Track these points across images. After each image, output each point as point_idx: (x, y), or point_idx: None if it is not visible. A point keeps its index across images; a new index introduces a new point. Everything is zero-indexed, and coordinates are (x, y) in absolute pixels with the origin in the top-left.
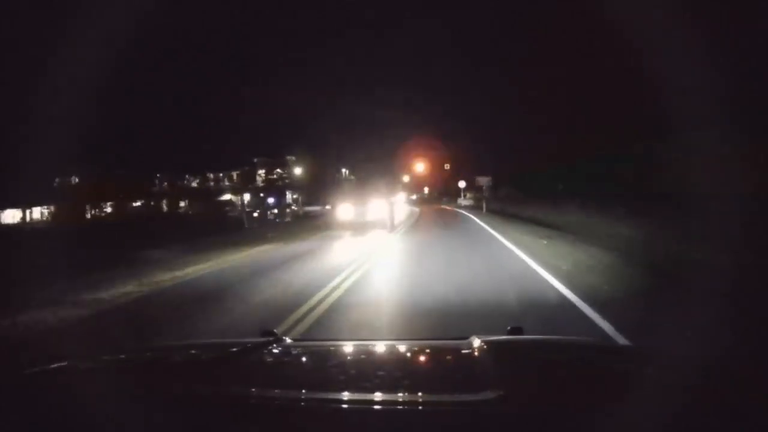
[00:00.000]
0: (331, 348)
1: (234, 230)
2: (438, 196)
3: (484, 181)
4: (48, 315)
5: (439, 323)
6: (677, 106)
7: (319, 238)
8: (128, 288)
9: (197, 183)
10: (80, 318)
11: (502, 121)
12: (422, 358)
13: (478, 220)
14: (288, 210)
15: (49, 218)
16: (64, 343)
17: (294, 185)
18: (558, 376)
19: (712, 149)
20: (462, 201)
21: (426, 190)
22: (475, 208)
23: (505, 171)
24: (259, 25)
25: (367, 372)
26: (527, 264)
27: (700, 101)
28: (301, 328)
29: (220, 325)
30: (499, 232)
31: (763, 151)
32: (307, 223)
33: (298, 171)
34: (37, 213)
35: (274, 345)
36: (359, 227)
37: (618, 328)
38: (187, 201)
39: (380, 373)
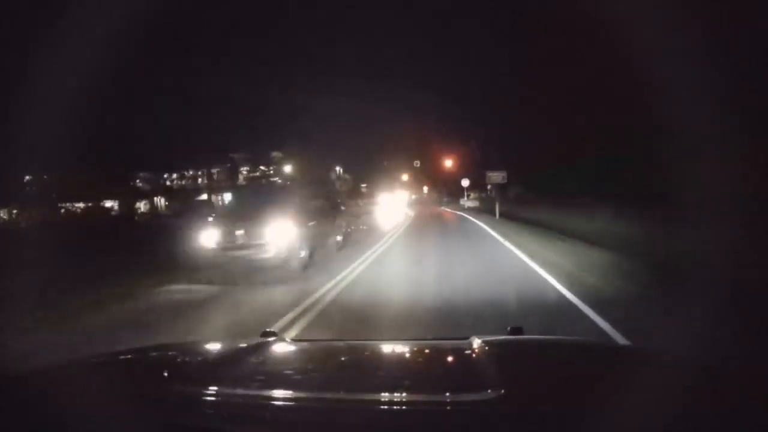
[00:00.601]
0: (331, 348)
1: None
2: (438, 197)
3: (497, 177)
4: None
5: None
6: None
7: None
8: None
9: (173, 181)
10: None
11: (509, 113)
12: (422, 358)
13: (498, 236)
14: None
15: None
16: None
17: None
18: (558, 376)
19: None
20: (466, 202)
21: (425, 189)
22: (482, 212)
23: (513, 168)
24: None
25: (367, 372)
26: None
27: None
28: None
29: None
30: (563, 277)
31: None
32: None
33: (285, 168)
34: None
35: (275, 345)
36: (246, 267)
37: None
38: (164, 201)
39: (380, 373)
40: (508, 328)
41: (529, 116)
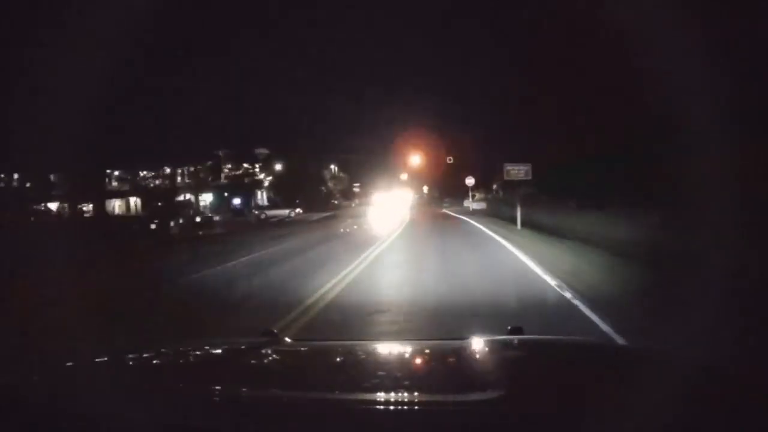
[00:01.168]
0: (331, 348)
1: None
2: (439, 197)
3: (518, 172)
4: None
5: None
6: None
7: None
8: None
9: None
10: None
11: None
12: (422, 358)
13: (553, 283)
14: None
15: None
16: None
17: (266, 183)
18: (558, 375)
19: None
20: (471, 204)
21: (425, 189)
22: (493, 217)
23: (521, 163)
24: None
25: (367, 372)
26: None
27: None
28: None
29: None
30: None
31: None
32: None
33: (270, 166)
34: None
35: (274, 345)
36: None
37: None
38: (141, 201)
39: (380, 373)
40: (508, 328)
41: (540, 104)
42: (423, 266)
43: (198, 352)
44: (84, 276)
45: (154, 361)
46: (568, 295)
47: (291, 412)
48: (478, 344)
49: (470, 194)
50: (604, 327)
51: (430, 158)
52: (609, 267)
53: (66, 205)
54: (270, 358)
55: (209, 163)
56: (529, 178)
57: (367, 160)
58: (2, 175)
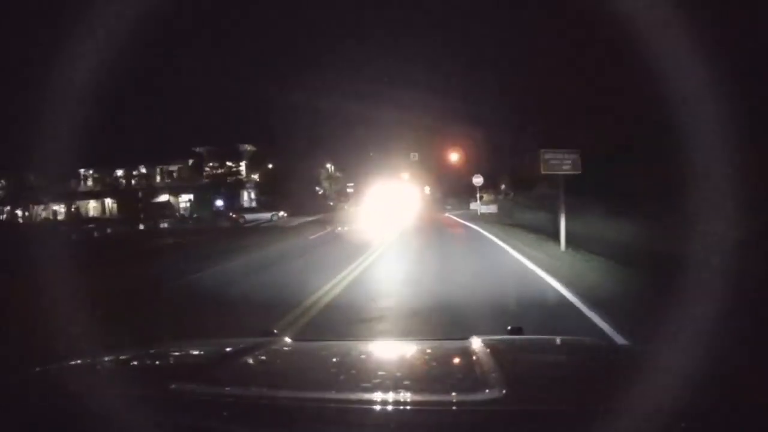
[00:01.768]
0: (331, 348)
1: None
2: (442, 198)
3: (561, 163)
4: None
5: None
6: None
7: None
8: None
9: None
10: None
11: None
12: (422, 358)
13: None
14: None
15: None
16: None
17: (253, 182)
18: (558, 375)
19: None
20: (480, 207)
21: (427, 189)
22: (513, 227)
23: (533, 158)
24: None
25: (367, 372)
26: None
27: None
28: None
29: None
30: None
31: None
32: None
33: (257, 164)
34: None
35: (274, 345)
36: None
37: None
38: (115, 203)
39: (380, 373)
40: (509, 328)
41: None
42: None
43: (197, 352)
44: None
45: (153, 361)
46: None
47: (291, 412)
48: (478, 344)
49: (478, 195)
50: None
51: (433, 156)
52: None
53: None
54: (270, 357)
55: (191, 161)
56: (578, 171)
57: (365, 159)
58: None
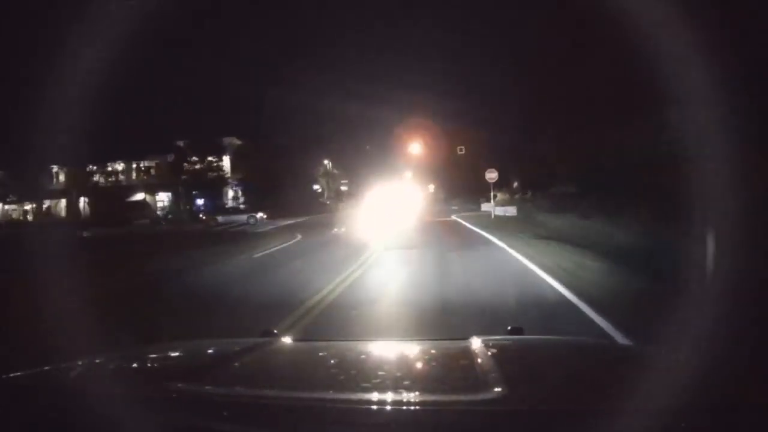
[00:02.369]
0: (331, 348)
1: None
2: (446, 197)
3: None
4: None
5: None
6: None
7: None
8: None
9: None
10: None
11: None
12: (422, 358)
13: None
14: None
15: None
16: None
17: (237, 180)
18: (558, 375)
19: None
20: (493, 208)
21: (431, 187)
22: (555, 245)
23: (551, 153)
24: None
25: (367, 372)
26: None
27: None
28: None
29: None
30: None
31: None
32: None
33: (243, 159)
34: None
35: (274, 345)
36: None
37: None
38: (87, 202)
39: (380, 373)
40: (509, 328)
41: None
42: None
43: (197, 352)
44: None
45: (153, 361)
46: None
47: (291, 412)
48: (478, 344)
49: (492, 194)
50: None
51: (438, 151)
52: None
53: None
54: (270, 358)
55: (170, 156)
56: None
57: (362, 154)
58: None
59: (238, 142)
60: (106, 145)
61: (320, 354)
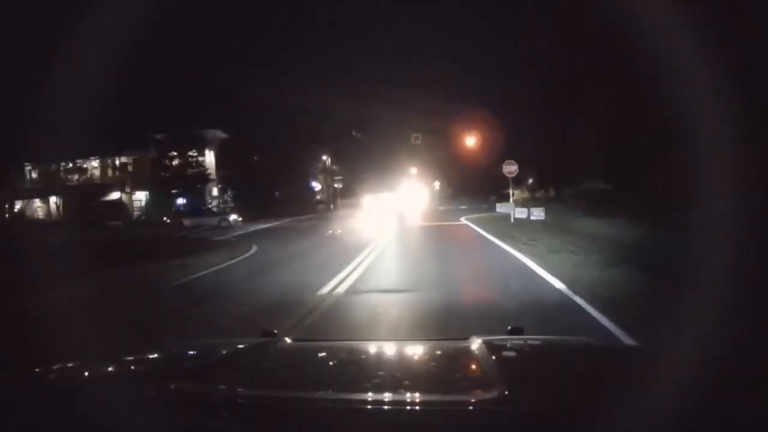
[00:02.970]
0: (332, 348)
1: None
2: (453, 194)
3: None
4: None
5: None
6: None
7: None
8: None
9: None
10: None
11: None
12: (422, 358)
13: None
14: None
15: None
16: None
17: (222, 177)
18: (558, 376)
19: None
20: (513, 209)
21: (437, 185)
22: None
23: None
24: None
25: (367, 372)
26: None
27: None
28: None
29: None
30: None
31: None
32: None
33: (228, 154)
34: None
35: (274, 345)
36: None
37: None
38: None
39: (380, 373)
40: (509, 328)
41: None
42: None
43: (197, 352)
44: None
45: (153, 361)
46: None
47: (291, 412)
48: (478, 344)
49: (510, 192)
50: None
51: (443, 143)
52: None
53: None
54: (270, 358)
55: (149, 150)
56: None
57: (362, 149)
58: None
59: (222, 135)
60: (80, 140)
61: (320, 354)
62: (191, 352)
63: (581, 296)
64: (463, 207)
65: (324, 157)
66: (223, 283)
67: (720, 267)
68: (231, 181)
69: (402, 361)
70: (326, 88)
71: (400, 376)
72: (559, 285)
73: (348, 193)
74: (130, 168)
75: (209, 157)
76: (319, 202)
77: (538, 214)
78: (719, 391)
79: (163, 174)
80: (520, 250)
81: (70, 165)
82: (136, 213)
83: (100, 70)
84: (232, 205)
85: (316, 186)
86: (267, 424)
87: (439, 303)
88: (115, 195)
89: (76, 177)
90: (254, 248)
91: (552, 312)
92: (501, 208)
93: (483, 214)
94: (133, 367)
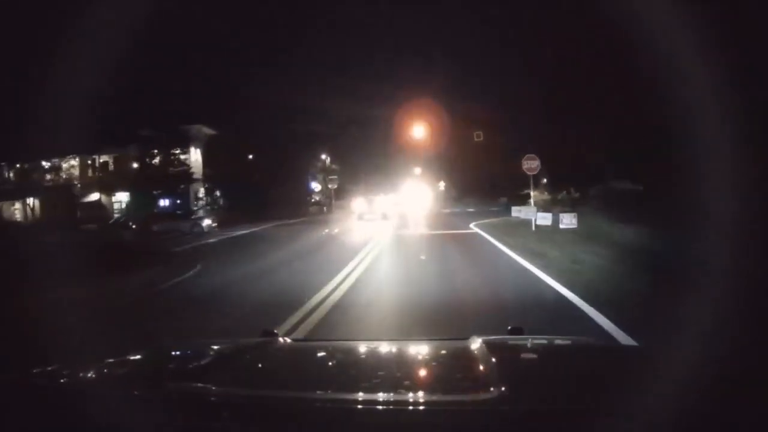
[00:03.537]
0: (331, 348)
1: None
2: (459, 196)
3: None
4: None
5: None
6: None
7: None
8: None
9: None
10: None
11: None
12: (422, 358)
13: None
14: None
15: None
16: None
17: (207, 177)
18: (558, 375)
19: None
20: (534, 213)
21: (441, 185)
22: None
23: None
24: None
25: (367, 372)
26: None
27: None
28: None
29: None
30: None
31: None
32: None
33: (214, 151)
34: None
35: (274, 345)
36: None
37: None
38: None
39: (380, 373)
40: (509, 328)
41: None
42: None
43: (197, 352)
44: None
45: (153, 362)
46: None
47: (291, 412)
48: (478, 344)
49: (531, 192)
50: None
51: (449, 140)
52: None
53: None
54: (270, 358)
55: (132, 147)
56: None
57: (361, 147)
58: None
59: (209, 131)
60: (59, 138)
61: (320, 354)
62: (191, 352)
63: None
64: (470, 209)
65: (323, 156)
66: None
67: None
68: (218, 180)
69: (402, 361)
70: (326, 86)
71: (400, 376)
72: None
73: (346, 193)
74: (111, 167)
75: (196, 156)
76: (315, 203)
77: (569, 221)
78: (719, 391)
79: (144, 173)
80: (572, 287)
81: (48, 164)
82: (117, 215)
83: (85, 64)
84: (209, 207)
85: (317, 186)
86: (267, 424)
87: None
88: (94, 196)
89: (51, 177)
90: (198, 267)
91: None
92: (518, 212)
93: (495, 220)
94: (132, 367)
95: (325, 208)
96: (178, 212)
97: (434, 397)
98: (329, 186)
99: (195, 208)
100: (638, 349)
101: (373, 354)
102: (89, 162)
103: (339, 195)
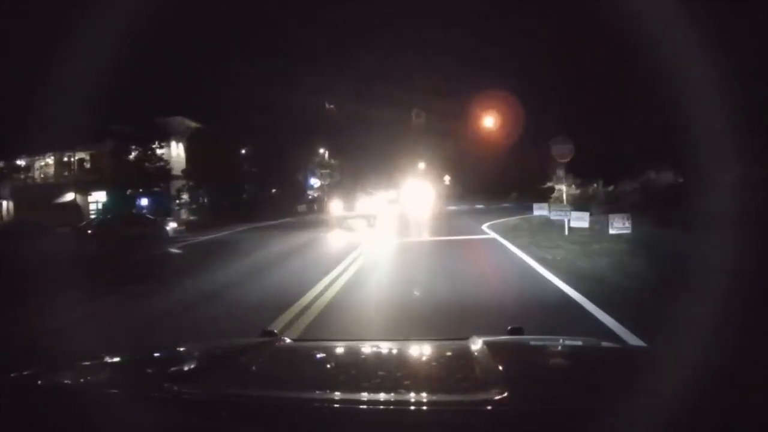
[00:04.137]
0: (331, 348)
1: None
2: (465, 193)
3: None
4: None
5: None
6: None
7: None
8: None
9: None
10: None
11: None
12: (422, 358)
13: None
14: None
15: None
16: None
17: (188, 173)
18: (558, 376)
19: None
20: (568, 214)
21: (446, 179)
22: None
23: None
24: None
25: (367, 372)
26: None
27: None
28: None
29: None
30: None
31: None
32: None
33: (199, 146)
34: None
35: (274, 345)
36: None
37: None
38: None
39: (380, 373)
40: (509, 328)
41: None
42: None
43: (197, 353)
44: None
45: (153, 362)
46: None
47: (291, 412)
48: (478, 344)
49: (563, 187)
50: None
51: (454, 129)
52: None
53: None
54: (270, 358)
55: (107, 143)
56: None
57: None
58: None
59: (192, 123)
60: (33, 134)
61: (320, 354)
62: (191, 353)
63: None
64: (480, 206)
65: (321, 151)
66: None
67: None
68: (198, 178)
69: (402, 361)
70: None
71: (400, 376)
72: None
73: (345, 190)
74: (87, 165)
75: (178, 151)
76: (311, 200)
77: (621, 224)
78: (720, 390)
79: (120, 171)
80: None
81: (20, 162)
82: (93, 216)
83: (61, 57)
84: (194, 206)
85: (316, 182)
86: (266, 424)
87: None
88: (69, 196)
89: (24, 176)
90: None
91: None
92: (540, 209)
93: (512, 219)
94: (132, 368)
95: (315, 206)
96: (143, 214)
97: (434, 398)
98: (322, 182)
99: (176, 209)
100: (638, 349)
101: (373, 354)
102: (65, 159)
103: (339, 192)
